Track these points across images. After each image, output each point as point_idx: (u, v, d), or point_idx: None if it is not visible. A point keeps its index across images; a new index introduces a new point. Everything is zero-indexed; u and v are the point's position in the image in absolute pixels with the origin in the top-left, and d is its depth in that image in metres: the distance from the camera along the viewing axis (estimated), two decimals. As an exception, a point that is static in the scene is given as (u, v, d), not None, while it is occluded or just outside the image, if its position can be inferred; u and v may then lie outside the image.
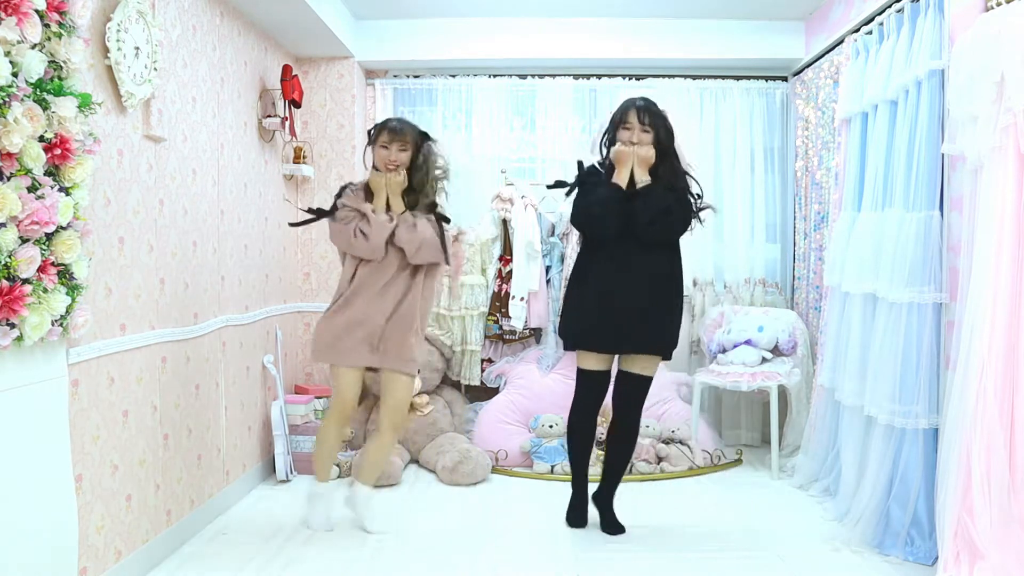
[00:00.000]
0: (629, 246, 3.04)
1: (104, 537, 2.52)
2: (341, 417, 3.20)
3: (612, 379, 3.21)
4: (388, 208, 3.10)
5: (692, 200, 3.10)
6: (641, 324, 3.05)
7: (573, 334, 3.17)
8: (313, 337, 3.18)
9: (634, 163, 3.04)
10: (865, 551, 2.95)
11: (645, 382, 3.16)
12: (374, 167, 3.14)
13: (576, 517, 3.27)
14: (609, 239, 3.06)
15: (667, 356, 3.16)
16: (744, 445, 4.54)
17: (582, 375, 3.19)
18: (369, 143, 3.18)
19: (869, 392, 3.13)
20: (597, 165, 3.19)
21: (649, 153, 3.03)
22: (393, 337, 3.08)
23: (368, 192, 3.13)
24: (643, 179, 3.03)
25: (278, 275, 4.20)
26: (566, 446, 3.34)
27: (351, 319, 3.06)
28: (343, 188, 3.21)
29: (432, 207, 3.18)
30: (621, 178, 3.04)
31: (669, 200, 3.01)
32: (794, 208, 4.66)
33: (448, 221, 3.20)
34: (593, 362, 3.15)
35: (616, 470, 3.25)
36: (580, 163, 3.21)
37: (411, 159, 3.11)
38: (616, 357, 3.17)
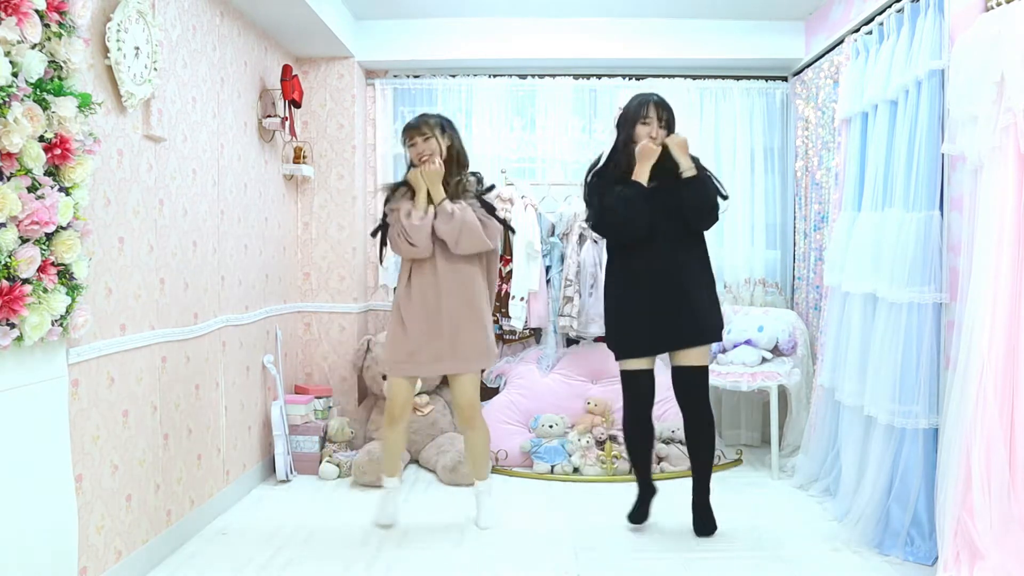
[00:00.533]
0: (657, 243, 3.05)
1: (104, 537, 2.52)
2: (392, 420, 3.22)
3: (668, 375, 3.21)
4: (430, 201, 3.11)
5: (718, 186, 3.12)
6: (684, 317, 3.05)
7: (621, 346, 3.16)
8: (386, 353, 3.20)
9: (675, 151, 3.04)
10: (865, 551, 2.95)
11: (702, 372, 3.12)
12: (411, 165, 3.18)
13: (638, 515, 3.24)
14: (640, 239, 3.05)
15: (718, 338, 3.15)
16: (744, 445, 4.55)
17: (628, 377, 3.17)
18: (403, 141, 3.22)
19: (869, 392, 3.13)
20: (602, 168, 3.19)
21: (684, 138, 3.06)
22: (460, 337, 3.10)
23: (409, 188, 3.17)
24: (688, 167, 3.05)
25: (278, 275, 4.20)
26: (626, 454, 3.33)
27: (416, 333, 3.09)
28: (386, 192, 3.27)
29: (481, 195, 3.18)
30: (642, 175, 3.05)
31: (712, 187, 3.07)
32: (794, 208, 4.66)
33: (493, 210, 3.17)
34: (637, 363, 3.14)
35: (704, 465, 3.18)
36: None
37: (444, 147, 3.14)
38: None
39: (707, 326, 3.11)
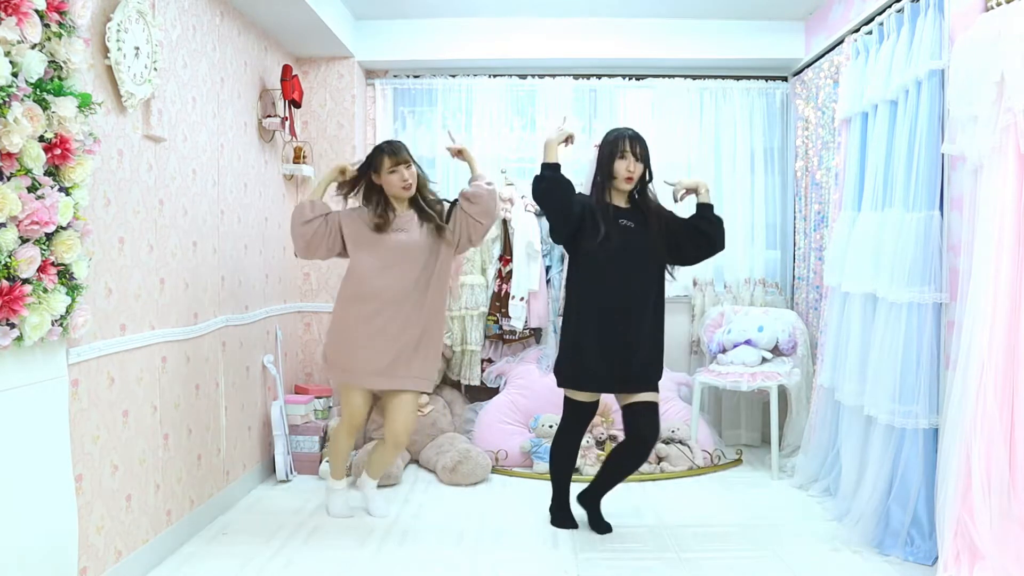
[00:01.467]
0: (616, 282, 3.06)
1: (104, 537, 2.52)
2: (351, 429, 3.36)
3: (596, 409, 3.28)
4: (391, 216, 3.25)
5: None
6: (629, 363, 3.06)
7: (571, 378, 3.17)
8: (327, 353, 3.29)
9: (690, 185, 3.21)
10: (865, 551, 2.95)
11: (654, 408, 3.14)
12: (369, 182, 3.26)
13: (563, 520, 3.28)
14: (565, 219, 3.13)
15: (655, 388, 3.15)
16: (744, 445, 4.54)
17: (571, 404, 3.20)
18: (365, 170, 3.25)
19: (869, 392, 3.13)
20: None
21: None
22: (404, 355, 3.19)
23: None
24: (705, 197, 3.19)
25: (278, 275, 4.20)
26: (549, 464, 3.36)
27: (362, 341, 3.17)
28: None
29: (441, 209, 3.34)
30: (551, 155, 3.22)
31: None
32: (794, 208, 4.66)
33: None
34: (584, 396, 3.18)
35: (614, 481, 3.25)
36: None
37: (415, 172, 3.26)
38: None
39: (652, 374, 3.13)
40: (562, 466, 3.30)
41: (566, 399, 3.21)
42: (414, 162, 3.26)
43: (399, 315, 3.17)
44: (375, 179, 3.23)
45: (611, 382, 3.11)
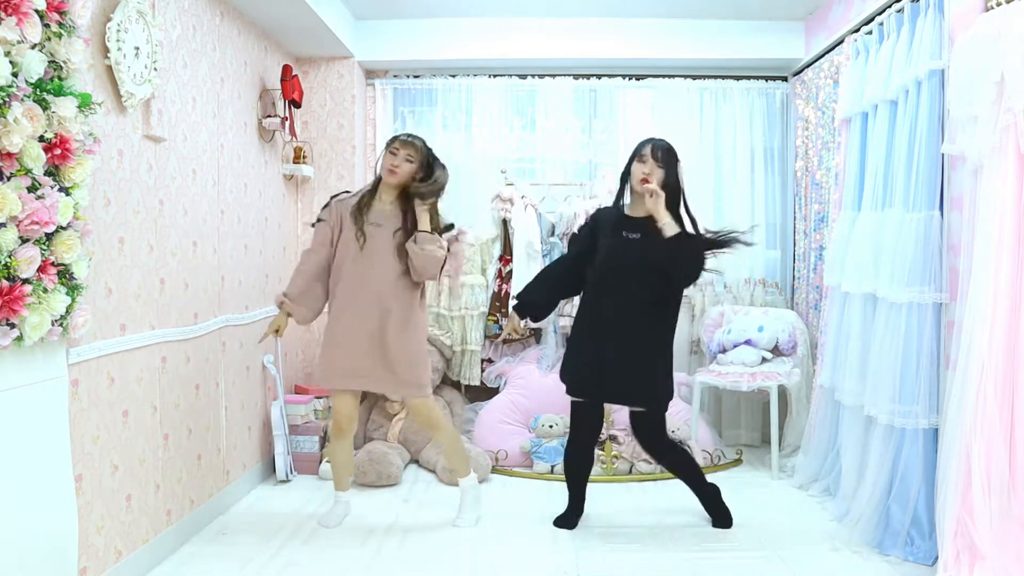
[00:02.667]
0: (619, 295, 3.07)
1: (104, 537, 2.52)
2: (337, 433, 3.26)
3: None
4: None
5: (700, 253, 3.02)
6: (613, 375, 3.09)
7: (569, 382, 3.24)
8: (320, 361, 3.23)
9: (649, 203, 2.98)
10: (865, 551, 2.95)
11: (645, 416, 3.17)
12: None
13: (563, 520, 3.30)
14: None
15: (646, 406, 3.14)
16: (744, 445, 4.54)
17: (573, 406, 3.26)
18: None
19: (869, 392, 3.13)
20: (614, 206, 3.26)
21: (657, 190, 2.97)
22: (400, 359, 3.14)
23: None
24: (665, 223, 2.95)
25: (278, 275, 4.20)
26: (564, 472, 3.38)
27: (337, 340, 3.14)
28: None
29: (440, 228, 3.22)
30: (638, 211, 3.10)
31: (692, 246, 3.00)
32: (794, 208, 4.66)
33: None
34: (578, 397, 3.24)
35: (687, 483, 3.32)
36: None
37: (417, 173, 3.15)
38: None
39: (635, 391, 3.12)
40: (569, 469, 3.34)
41: (571, 405, 3.27)
42: (423, 165, 3.14)
43: (366, 312, 3.09)
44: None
45: (595, 391, 3.17)
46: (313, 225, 3.27)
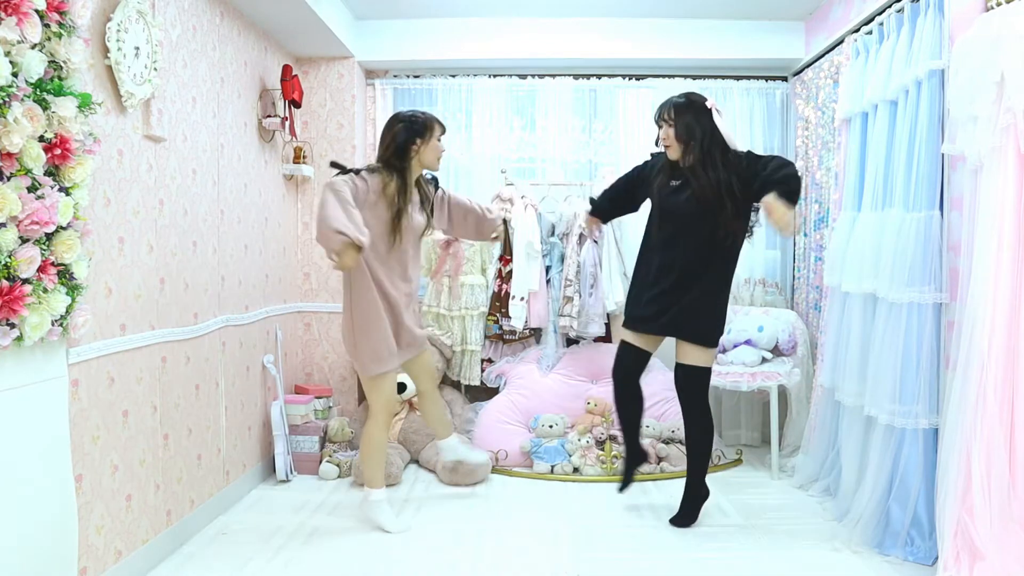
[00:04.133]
0: (673, 241, 3.15)
1: (104, 537, 2.52)
2: (389, 420, 3.29)
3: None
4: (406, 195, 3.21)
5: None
6: (673, 310, 3.15)
7: (628, 314, 3.35)
8: (360, 353, 3.15)
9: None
10: (865, 551, 2.95)
11: (699, 373, 3.20)
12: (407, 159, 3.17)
13: (623, 482, 3.41)
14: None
15: (705, 342, 3.19)
16: (744, 445, 4.55)
17: (621, 348, 3.35)
18: (412, 136, 3.14)
19: (869, 392, 3.13)
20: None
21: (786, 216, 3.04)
22: (415, 322, 3.33)
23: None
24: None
25: (278, 275, 4.20)
26: (619, 422, 3.43)
27: (386, 326, 3.18)
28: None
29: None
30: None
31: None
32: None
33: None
34: (630, 337, 3.31)
35: (692, 465, 3.30)
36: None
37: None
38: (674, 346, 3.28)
39: (693, 327, 3.17)
40: (620, 414, 3.37)
41: (620, 343, 3.38)
42: None
43: (404, 291, 3.24)
44: (413, 150, 3.14)
45: (653, 326, 3.22)
46: (340, 171, 3.14)
